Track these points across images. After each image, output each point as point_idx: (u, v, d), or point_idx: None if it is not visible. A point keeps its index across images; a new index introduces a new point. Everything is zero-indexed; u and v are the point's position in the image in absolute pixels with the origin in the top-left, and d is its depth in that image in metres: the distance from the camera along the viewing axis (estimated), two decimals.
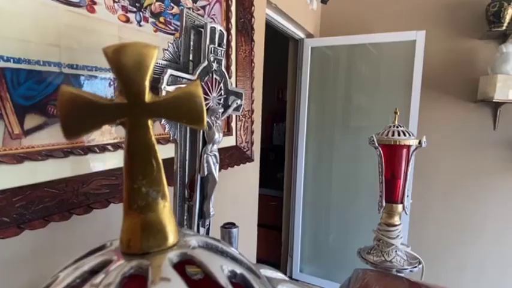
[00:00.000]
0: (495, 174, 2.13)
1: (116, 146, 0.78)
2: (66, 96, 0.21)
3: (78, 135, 0.22)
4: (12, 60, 0.58)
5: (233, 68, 1.27)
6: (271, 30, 1.93)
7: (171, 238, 0.23)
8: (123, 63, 0.21)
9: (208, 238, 0.25)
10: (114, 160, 0.78)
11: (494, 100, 1.89)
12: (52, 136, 0.65)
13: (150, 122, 0.23)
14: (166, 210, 0.24)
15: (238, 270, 0.22)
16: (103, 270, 0.21)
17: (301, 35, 2.34)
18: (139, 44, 0.22)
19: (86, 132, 0.22)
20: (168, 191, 0.24)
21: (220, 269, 0.21)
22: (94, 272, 0.21)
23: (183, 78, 0.60)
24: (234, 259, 0.24)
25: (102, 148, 0.75)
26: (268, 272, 0.26)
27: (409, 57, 2.07)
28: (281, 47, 2.57)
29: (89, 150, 0.72)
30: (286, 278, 0.26)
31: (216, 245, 0.24)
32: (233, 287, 0.20)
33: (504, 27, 1.90)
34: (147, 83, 0.22)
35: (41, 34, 0.63)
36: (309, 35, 2.41)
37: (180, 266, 0.21)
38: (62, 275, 0.22)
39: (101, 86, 0.76)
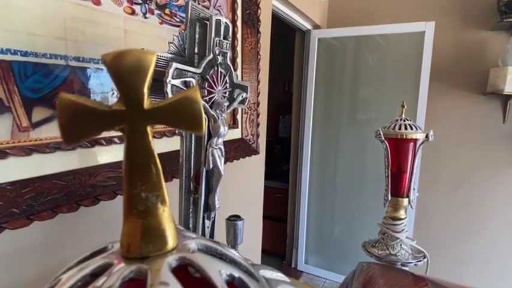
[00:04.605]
0: (503, 169, 2.10)
1: (122, 139, 0.79)
2: (65, 103, 0.21)
3: (77, 141, 0.22)
4: (19, 53, 0.59)
5: (239, 60, 1.26)
6: (278, 21, 1.91)
7: (170, 242, 0.24)
8: (122, 70, 0.21)
9: (208, 241, 0.25)
10: (121, 152, 0.79)
11: (504, 93, 1.86)
12: None
13: (149, 128, 0.23)
14: (165, 215, 0.24)
15: (237, 274, 0.22)
16: (104, 274, 0.21)
17: (308, 26, 2.31)
18: (137, 51, 0.21)
19: (85, 138, 0.23)
20: (167, 195, 0.24)
21: (219, 273, 0.21)
22: (95, 275, 0.22)
23: (188, 71, 0.59)
24: (233, 262, 0.24)
25: (109, 141, 0.76)
26: (267, 272, 0.27)
27: (418, 49, 2.03)
28: (287, 38, 2.54)
29: (95, 142, 0.73)
30: (287, 279, 0.26)
31: (216, 247, 0.25)
32: None
33: None
34: (145, 90, 0.22)
35: (48, 27, 0.63)
36: (316, 26, 2.38)
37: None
38: (65, 277, 0.22)
39: (107, 79, 0.76)
